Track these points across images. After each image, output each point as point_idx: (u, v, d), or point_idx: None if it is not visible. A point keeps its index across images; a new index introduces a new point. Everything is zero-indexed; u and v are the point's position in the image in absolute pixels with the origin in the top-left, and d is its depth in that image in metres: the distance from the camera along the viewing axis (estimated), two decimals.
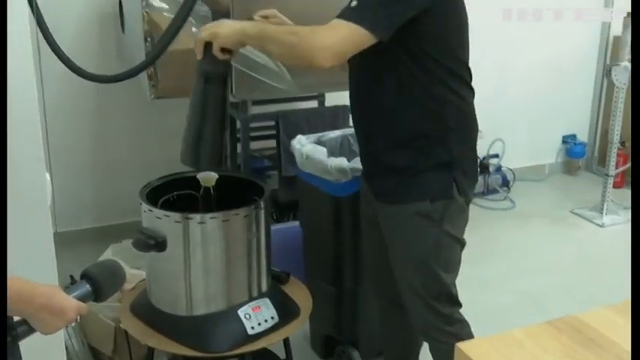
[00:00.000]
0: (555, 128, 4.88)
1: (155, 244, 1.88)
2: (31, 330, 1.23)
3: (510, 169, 4.64)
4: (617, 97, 4.04)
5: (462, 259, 2.00)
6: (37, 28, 2.12)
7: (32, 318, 1.22)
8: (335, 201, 2.40)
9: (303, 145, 2.48)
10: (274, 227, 2.27)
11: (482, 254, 3.51)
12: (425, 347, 2.15)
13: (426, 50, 1.76)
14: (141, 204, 1.95)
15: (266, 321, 1.96)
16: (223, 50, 1.74)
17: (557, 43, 4.59)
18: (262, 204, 1.97)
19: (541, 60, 4.59)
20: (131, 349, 2.44)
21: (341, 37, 1.67)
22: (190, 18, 2.15)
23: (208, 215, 1.89)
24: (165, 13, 2.73)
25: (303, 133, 2.59)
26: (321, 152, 2.40)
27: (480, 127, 1.95)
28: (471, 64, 1.88)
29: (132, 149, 3.74)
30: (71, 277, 2.50)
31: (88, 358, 2.54)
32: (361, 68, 1.88)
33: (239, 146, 3.21)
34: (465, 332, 1.97)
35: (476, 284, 3.09)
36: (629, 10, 3.40)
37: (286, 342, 2.12)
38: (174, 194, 2.08)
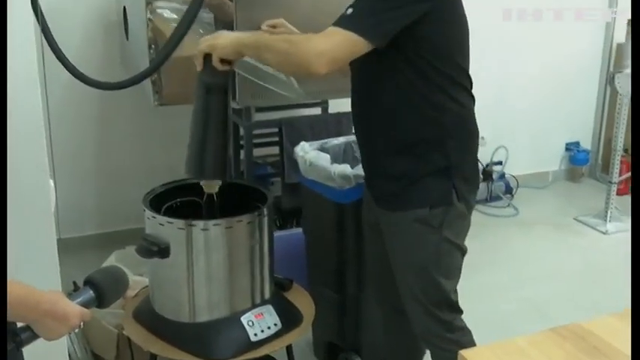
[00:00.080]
0: (558, 135, 4.87)
1: (158, 250, 1.88)
2: (34, 336, 1.24)
3: (513, 176, 4.64)
4: (621, 104, 4.04)
5: (465, 266, 1.99)
6: (42, 35, 2.13)
7: (36, 324, 1.22)
8: (338, 208, 2.40)
9: (307, 151, 2.48)
10: (277, 234, 2.26)
11: (485, 261, 3.50)
12: (428, 355, 2.14)
13: (425, 57, 1.76)
14: (144, 210, 1.95)
15: (269, 328, 1.95)
16: (223, 61, 1.76)
17: (561, 50, 4.59)
18: (265, 211, 1.97)
19: (544, 67, 4.59)
20: (134, 356, 2.44)
21: (335, 44, 1.67)
22: (195, 25, 2.15)
23: (211, 222, 1.89)
24: (171, 24, 2.73)
25: (306, 140, 2.59)
26: (324, 159, 2.40)
27: (483, 134, 1.95)
28: (472, 70, 1.87)
29: (135, 156, 3.74)
30: (74, 283, 2.51)
31: None
32: (362, 71, 1.88)
33: (242, 153, 3.21)
34: (466, 339, 1.97)
35: (479, 291, 3.08)
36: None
37: (289, 349, 2.11)
38: (177, 201, 2.08)
